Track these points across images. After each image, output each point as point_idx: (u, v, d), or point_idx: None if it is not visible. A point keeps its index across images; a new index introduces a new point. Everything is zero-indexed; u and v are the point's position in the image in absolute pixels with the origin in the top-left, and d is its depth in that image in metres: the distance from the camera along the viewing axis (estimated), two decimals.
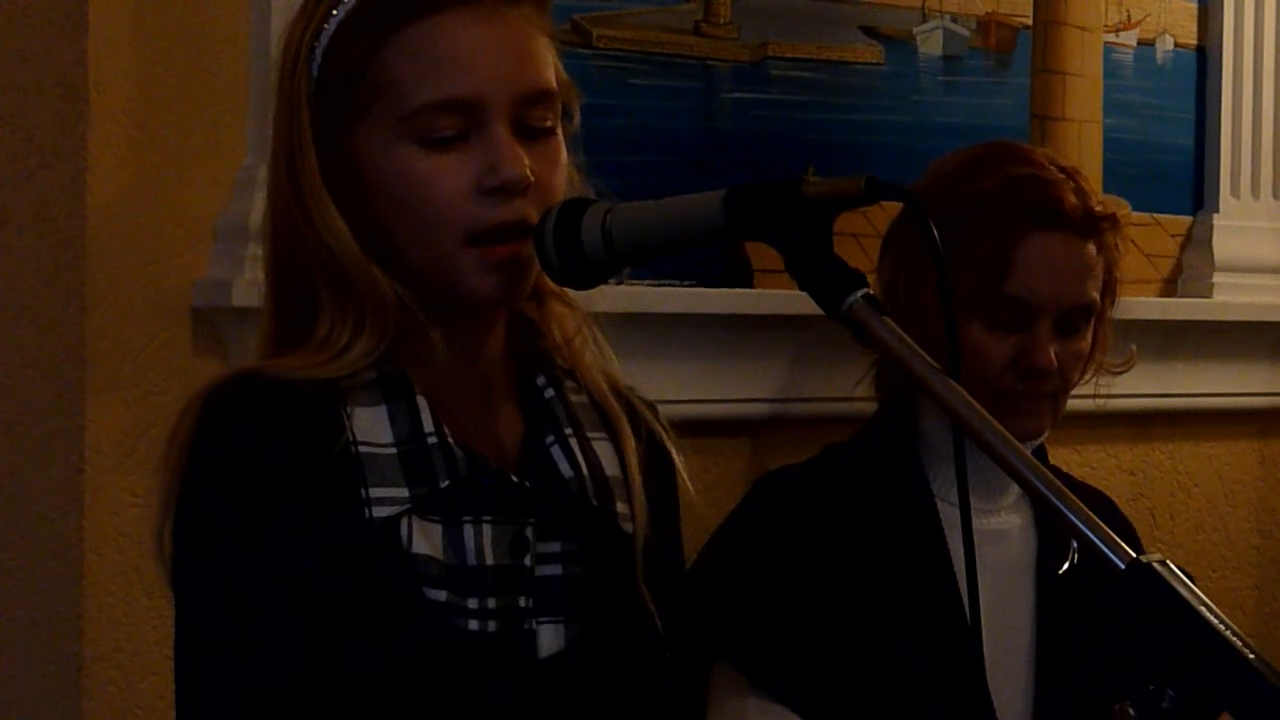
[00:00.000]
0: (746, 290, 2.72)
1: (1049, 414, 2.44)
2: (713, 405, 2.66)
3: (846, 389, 2.63)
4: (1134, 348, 2.65)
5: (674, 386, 2.48)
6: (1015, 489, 2.45)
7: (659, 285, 2.59)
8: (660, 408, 1.90)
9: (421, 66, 1.71)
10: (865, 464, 2.46)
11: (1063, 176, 2.45)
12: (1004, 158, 2.49)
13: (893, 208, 2.50)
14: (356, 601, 1.68)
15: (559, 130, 1.76)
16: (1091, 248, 2.43)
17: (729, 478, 2.59)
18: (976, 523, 2.38)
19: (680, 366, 2.60)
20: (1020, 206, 2.40)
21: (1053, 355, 2.39)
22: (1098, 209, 2.45)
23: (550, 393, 1.81)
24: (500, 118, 1.71)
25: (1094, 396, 2.62)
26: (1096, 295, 2.44)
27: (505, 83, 1.71)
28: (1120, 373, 2.62)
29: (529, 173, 1.70)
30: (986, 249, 2.37)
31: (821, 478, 2.46)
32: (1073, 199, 2.42)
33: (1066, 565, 2.40)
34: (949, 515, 2.41)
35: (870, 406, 2.55)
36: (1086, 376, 2.51)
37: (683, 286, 2.64)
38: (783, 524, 2.41)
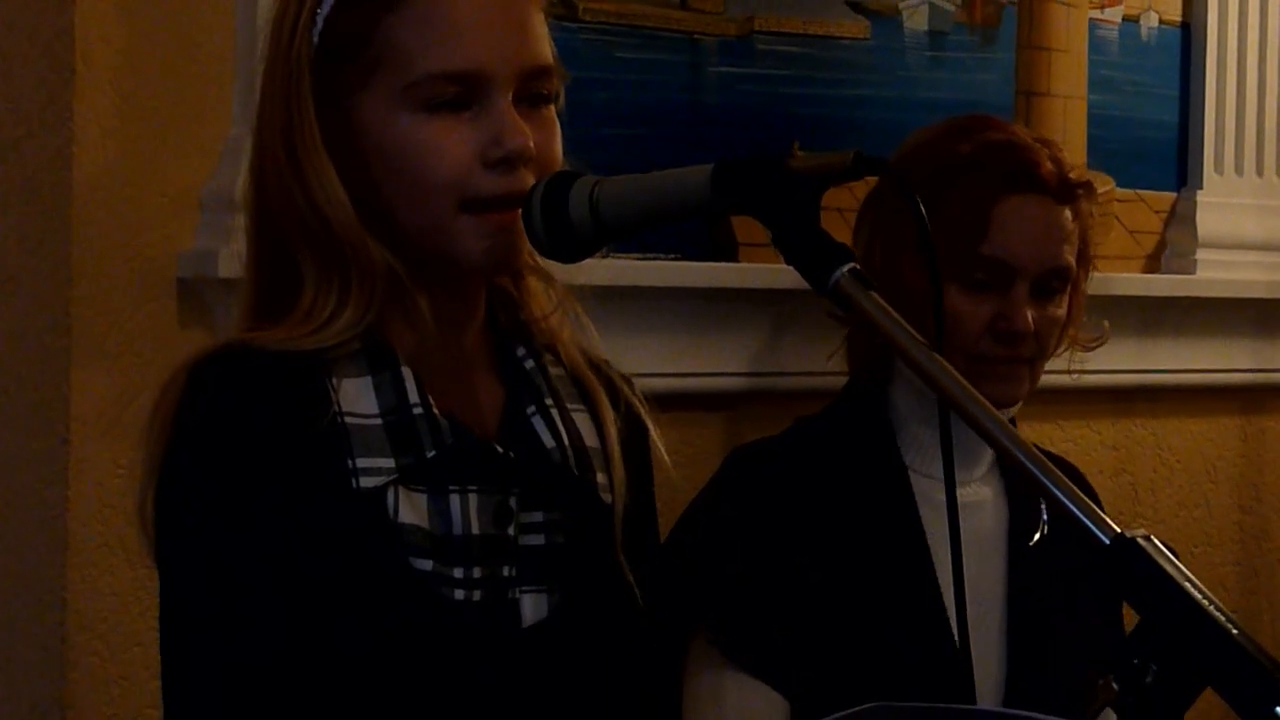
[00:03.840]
0: (733, 264, 2.72)
1: (1026, 379, 2.45)
2: (692, 379, 2.67)
3: (808, 363, 2.64)
4: (1107, 324, 2.65)
5: (653, 360, 2.48)
6: (987, 461, 2.46)
7: (644, 259, 2.59)
8: (639, 381, 1.91)
9: (427, 36, 1.72)
10: (837, 436, 2.46)
11: (1039, 144, 2.48)
12: (982, 125, 2.51)
13: (875, 183, 2.51)
14: (343, 572, 1.69)
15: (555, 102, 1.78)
16: (1067, 213, 2.45)
17: (708, 451, 2.58)
18: (936, 492, 2.39)
19: (659, 340, 2.60)
20: (998, 170, 2.42)
21: (1030, 318, 2.40)
22: (1073, 176, 2.47)
23: (530, 364, 1.82)
24: (504, 90, 1.72)
25: (1077, 372, 2.62)
26: (1072, 260, 2.46)
27: (509, 56, 1.72)
28: (1093, 348, 2.63)
29: (531, 144, 1.71)
30: (964, 211, 2.39)
31: (793, 451, 2.46)
32: (1049, 165, 2.44)
33: (1037, 536, 2.40)
34: (920, 486, 2.42)
35: (827, 380, 2.56)
36: (1061, 348, 2.52)
37: (666, 260, 2.64)
38: (755, 498, 2.41)
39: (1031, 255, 2.42)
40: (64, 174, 2.28)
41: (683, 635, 2.34)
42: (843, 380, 2.55)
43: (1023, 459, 1.42)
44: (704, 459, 2.53)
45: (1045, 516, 2.35)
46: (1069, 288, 2.47)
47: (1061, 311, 2.47)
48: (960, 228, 2.39)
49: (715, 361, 2.71)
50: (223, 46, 2.36)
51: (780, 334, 2.74)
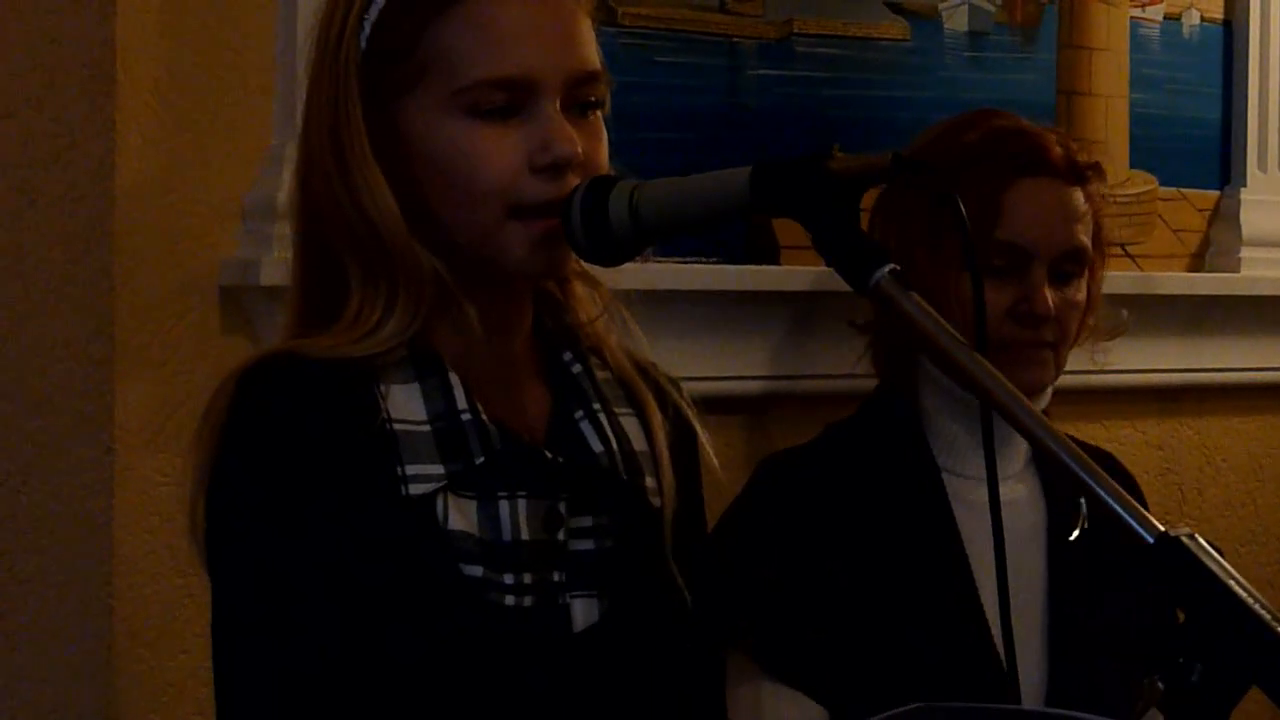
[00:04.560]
0: (774, 267, 2.73)
1: (1051, 364, 2.45)
2: (740, 383, 2.67)
3: (827, 366, 2.65)
4: (1125, 313, 2.65)
5: (703, 365, 2.49)
6: (1022, 458, 2.47)
7: (685, 263, 2.60)
8: (688, 387, 1.91)
9: (476, 43, 1.72)
10: (867, 441, 2.47)
11: (1046, 130, 2.49)
12: (988, 116, 2.53)
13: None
14: (394, 579, 1.69)
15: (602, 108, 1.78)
16: (1079, 194, 2.46)
17: (736, 455, 2.58)
18: (980, 493, 2.39)
19: (708, 344, 2.61)
20: (1006, 156, 2.43)
21: (1049, 300, 2.41)
22: (1082, 158, 2.48)
23: (577, 368, 1.82)
24: (552, 96, 1.72)
25: (1121, 371, 2.62)
26: (1087, 241, 2.46)
27: (557, 63, 1.73)
28: (1111, 338, 2.63)
29: (579, 150, 1.71)
30: (976, 198, 2.38)
31: (824, 457, 2.47)
32: (1057, 149, 2.45)
33: (1076, 532, 2.40)
34: (954, 486, 2.42)
35: (853, 384, 2.56)
36: (1082, 337, 2.51)
37: (708, 264, 2.65)
38: (785, 506, 2.42)
39: (1046, 237, 2.42)
40: (106, 183, 2.29)
41: (724, 642, 2.34)
42: (869, 383, 2.56)
43: (1065, 457, 1.42)
44: (730, 463, 2.52)
45: (1084, 512, 2.34)
46: (1086, 272, 2.48)
47: (1081, 296, 2.47)
48: (974, 215, 2.38)
49: (754, 365, 2.71)
50: (263, 56, 2.37)
51: (801, 335, 2.74)
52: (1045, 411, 2.49)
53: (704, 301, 2.62)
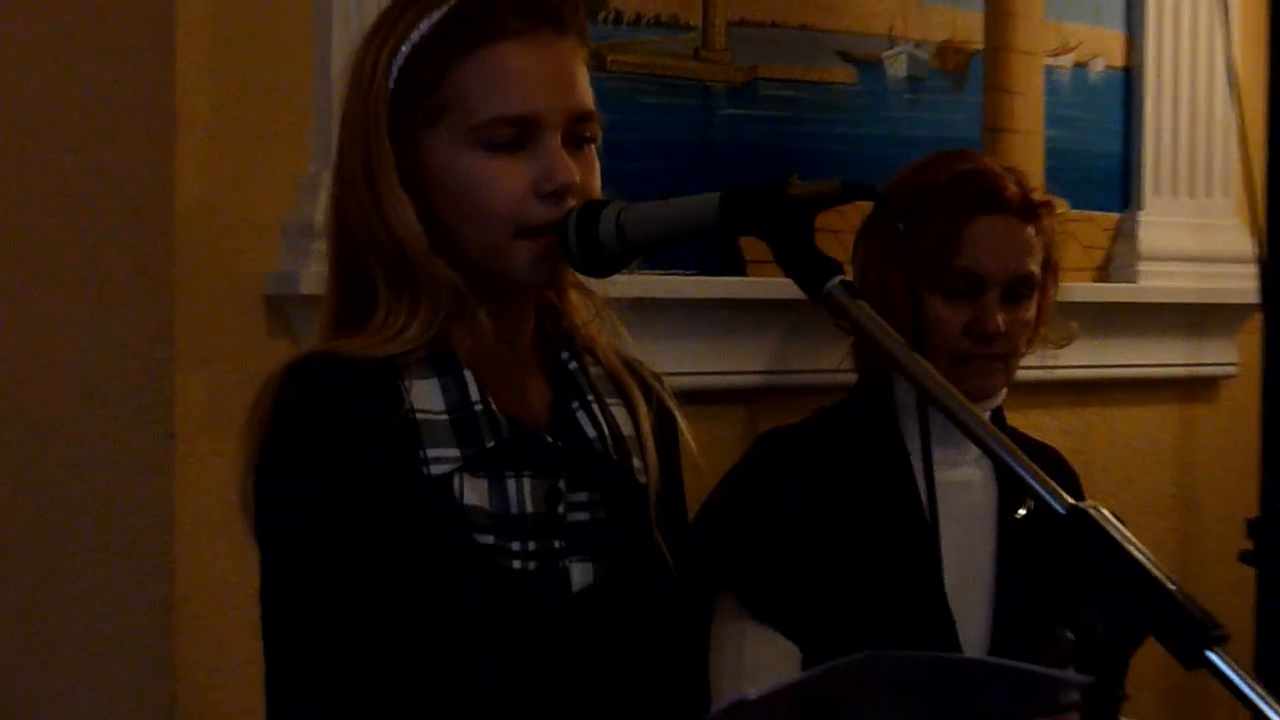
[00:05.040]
0: (740, 278, 2.73)
1: (1001, 373, 2.46)
2: (713, 377, 2.67)
3: (828, 363, 2.64)
4: (1075, 325, 2.66)
5: (679, 362, 2.49)
6: None
7: (665, 274, 2.59)
8: (669, 381, 1.91)
9: (489, 86, 1.71)
10: (849, 425, 2.47)
11: (1005, 171, 2.49)
12: (955, 158, 2.53)
13: (864, 208, 2.51)
14: (416, 547, 1.69)
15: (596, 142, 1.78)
16: (1031, 229, 2.45)
17: (728, 440, 2.59)
18: (944, 474, 2.40)
19: (684, 344, 2.61)
20: (968, 194, 2.43)
21: (1000, 321, 2.41)
22: (1035, 197, 2.47)
23: (573, 365, 1.82)
24: (553, 132, 1.72)
25: (1040, 367, 2.63)
26: (1036, 269, 2.46)
27: (558, 104, 1.72)
28: (1062, 346, 2.64)
29: (577, 179, 1.71)
30: (940, 230, 2.40)
31: (813, 436, 2.47)
32: (1013, 188, 2.45)
33: (1023, 511, 2.40)
34: (920, 468, 2.41)
35: (850, 378, 2.56)
36: (1032, 347, 2.52)
37: (685, 275, 2.65)
38: (779, 474, 2.42)
39: (999, 266, 2.42)
40: (167, 206, 2.29)
41: (711, 591, 2.34)
42: (847, 378, 2.56)
43: (987, 439, 1.42)
44: (725, 446, 2.53)
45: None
46: (1036, 293, 2.48)
47: (1030, 314, 2.47)
48: (938, 245, 2.39)
49: (733, 362, 2.70)
50: (301, 95, 2.37)
51: (791, 337, 2.74)
52: (1000, 407, 2.50)
53: (683, 308, 2.62)
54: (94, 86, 2.34)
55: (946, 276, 2.40)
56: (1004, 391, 2.50)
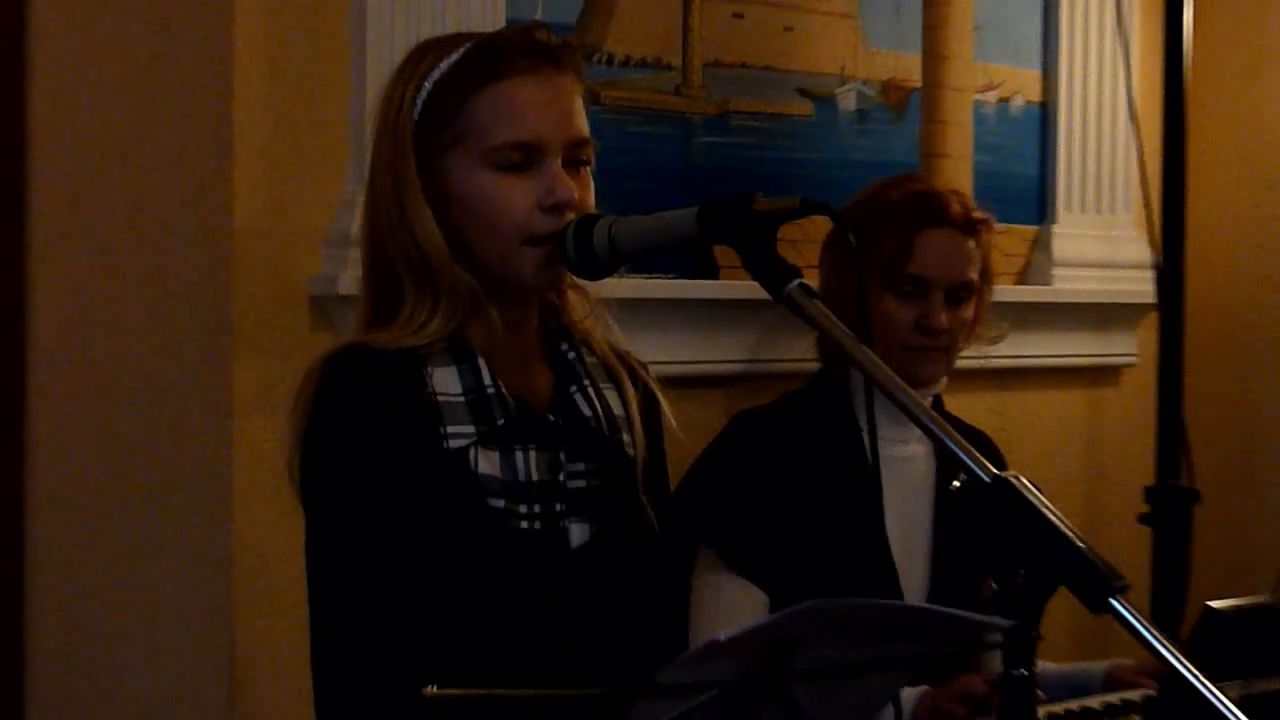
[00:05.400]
0: (714, 281, 2.73)
1: (943, 363, 2.46)
2: (692, 365, 2.66)
3: (794, 354, 2.64)
4: (1005, 325, 2.67)
5: (662, 353, 2.49)
6: None
7: (650, 278, 2.59)
8: (653, 368, 1.91)
9: (499, 116, 1.71)
10: (812, 407, 2.46)
11: (949, 192, 2.49)
12: (907, 180, 2.53)
13: (823, 222, 2.50)
14: (438, 510, 1.68)
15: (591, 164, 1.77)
16: (971, 242, 2.46)
17: (707, 420, 2.59)
18: (891, 450, 2.40)
19: (666, 338, 2.60)
20: (919, 211, 2.43)
21: (944, 318, 2.42)
22: (975, 215, 2.47)
23: (571, 355, 1.81)
24: (555, 155, 1.72)
25: (970, 358, 2.63)
26: (975, 276, 2.46)
27: (559, 131, 1.72)
28: (995, 343, 2.64)
29: (575, 196, 1.71)
30: (894, 241, 2.40)
31: (780, 416, 2.46)
32: (957, 206, 2.45)
33: (957, 483, 2.40)
34: (872, 446, 2.41)
35: (813, 366, 2.56)
36: (969, 342, 2.52)
37: (666, 279, 2.64)
38: (752, 448, 2.41)
39: (943, 272, 2.42)
40: (226, 220, 2.28)
41: (692, 546, 2.34)
42: (811, 366, 2.55)
43: (923, 419, 1.42)
44: (704, 425, 2.52)
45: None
46: (974, 297, 2.48)
47: (969, 314, 2.47)
48: (891, 253, 2.40)
49: (709, 353, 2.70)
50: (339, 126, 2.36)
51: (762, 333, 2.74)
52: (940, 395, 2.50)
53: (665, 306, 2.61)
54: (166, 120, 2.34)
55: (899, 280, 2.41)
56: (945, 380, 2.50)
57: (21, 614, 2.45)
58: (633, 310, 2.19)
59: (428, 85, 1.74)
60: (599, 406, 1.79)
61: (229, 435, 2.28)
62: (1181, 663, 1.28)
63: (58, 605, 2.43)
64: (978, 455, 1.38)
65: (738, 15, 2.80)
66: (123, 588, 2.39)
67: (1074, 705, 2.11)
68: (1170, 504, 2.84)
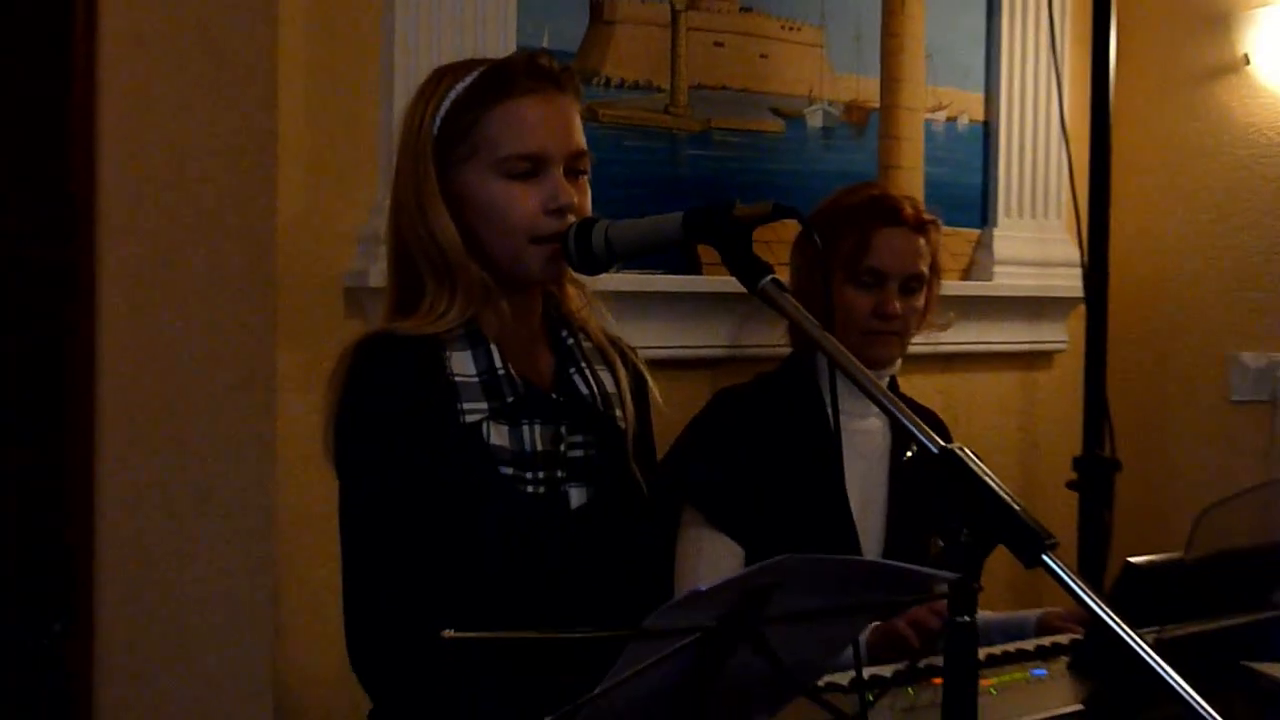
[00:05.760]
0: (697, 276, 2.72)
1: (897, 346, 2.45)
2: (677, 350, 2.66)
3: (769, 340, 2.63)
4: (952, 314, 2.66)
5: (651, 339, 2.49)
6: None
7: (642, 274, 2.59)
8: (644, 353, 1.90)
9: (508, 131, 1.71)
10: (783, 386, 2.45)
11: (903, 197, 2.49)
12: (866, 187, 2.53)
13: (794, 225, 2.50)
14: (454, 476, 1.68)
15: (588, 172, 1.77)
16: (921, 240, 2.45)
17: (692, 397, 2.58)
18: (851, 424, 2.39)
19: (655, 325, 2.60)
20: (875, 211, 2.42)
21: (898, 306, 2.41)
22: (925, 216, 2.47)
23: (570, 341, 1.81)
24: (557, 165, 1.71)
25: (921, 344, 2.63)
26: (925, 270, 2.45)
27: (561, 144, 1.72)
28: (943, 330, 2.64)
29: (575, 200, 1.70)
30: (855, 238, 2.40)
31: (756, 394, 2.46)
32: (909, 209, 2.45)
33: (909, 454, 2.39)
34: (835, 420, 2.41)
35: (785, 350, 2.55)
36: (920, 330, 2.52)
37: (655, 274, 2.64)
38: (731, 422, 2.40)
39: (897, 266, 2.42)
40: (271, 221, 2.27)
41: (678, 505, 2.33)
42: (782, 351, 2.55)
43: (879, 397, 1.41)
44: (689, 401, 2.52)
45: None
46: (924, 288, 2.47)
47: (920, 304, 2.47)
48: (853, 249, 2.40)
49: (693, 339, 2.70)
50: (371, 139, 2.36)
51: (741, 321, 2.74)
52: (895, 376, 2.50)
53: (654, 298, 2.61)
54: (218, 134, 2.32)
55: (858, 272, 2.40)
56: (899, 363, 2.49)
57: (92, 556, 2.45)
58: (627, 302, 2.20)
59: (446, 104, 1.74)
60: (595, 386, 1.79)
61: (273, 408, 2.27)
62: (1104, 611, 1.28)
63: (125, 553, 2.43)
64: (927, 429, 1.38)
65: (718, 44, 2.80)
66: (181, 537, 2.38)
67: (1011, 648, 2.11)
68: (1095, 472, 2.84)
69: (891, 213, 2.43)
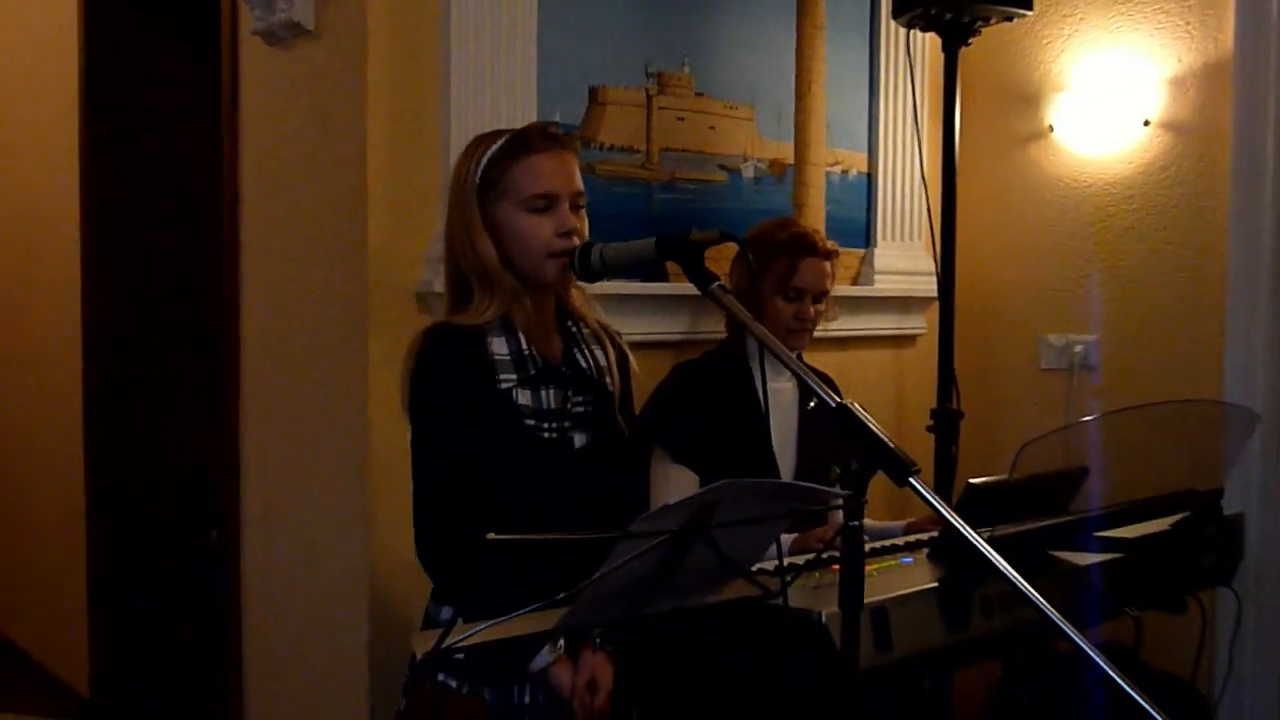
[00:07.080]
0: (665, 283, 2.71)
1: (808, 337, 2.45)
2: (650, 335, 2.65)
3: (713, 328, 2.62)
4: (838, 311, 2.65)
5: (632, 327, 2.47)
6: (789, 370, 2.45)
7: (626, 281, 2.57)
8: (626, 338, 1.89)
9: (529, 178, 1.70)
10: (724, 360, 2.44)
11: (814, 231, 2.47)
12: (790, 223, 2.50)
13: (733, 246, 2.48)
14: (493, 426, 1.68)
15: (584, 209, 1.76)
16: (828, 264, 2.45)
17: (659, 369, 2.57)
18: (772, 385, 2.39)
19: (635, 317, 2.59)
20: (799, 245, 2.41)
21: (812, 312, 2.41)
22: (830, 247, 2.47)
23: (574, 328, 1.81)
24: (564, 202, 1.71)
25: (821, 331, 2.62)
26: (829, 286, 2.45)
27: (566, 187, 1.71)
28: (833, 320, 2.64)
29: (578, 227, 1.70)
30: (785, 264, 2.38)
31: (704, 366, 2.44)
32: (821, 243, 2.44)
33: (812, 404, 2.40)
34: (759, 382, 2.41)
35: (723, 335, 2.54)
36: (820, 323, 2.52)
37: (635, 282, 2.63)
38: (687, 386, 2.39)
39: (814, 285, 2.41)
40: (364, 248, 2.25)
41: (650, 449, 2.33)
42: (723, 336, 2.53)
43: (794, 368, 1.42)
44: (658, 372, 2.51)
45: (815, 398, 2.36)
46: (827, 298, 2.47)
47: (825, 308, 2.47)
48: (784, 271, 2.39)
49: (661, 327, 2.68)
50: (434, 187, 2.33)
51: (694, 315, 2.72)
52: (801, 353, 2.49)
53: (634, 299, 2.60)
54: (324, 182, 2.31)
55: (786, 289, 2.40)
56: (806, 344, 2.49)
57: (238, 489, 2.44)
58: (615, 301, 2.19)
59: (484, 161, 1.74)
60: (592, 361, 1.79)
61: (366, 379, 2.25)
62: (953, 517, 1.28)
63: (261, 485, 2.42)
64: (825, 388, 1.38)
65: (680, 119, 2.78)
66: (301, 473, 2.38)
67: (887, 543, 2.12)
68: (945, 420, 2.84)
69: (811, 246, 2.43)
